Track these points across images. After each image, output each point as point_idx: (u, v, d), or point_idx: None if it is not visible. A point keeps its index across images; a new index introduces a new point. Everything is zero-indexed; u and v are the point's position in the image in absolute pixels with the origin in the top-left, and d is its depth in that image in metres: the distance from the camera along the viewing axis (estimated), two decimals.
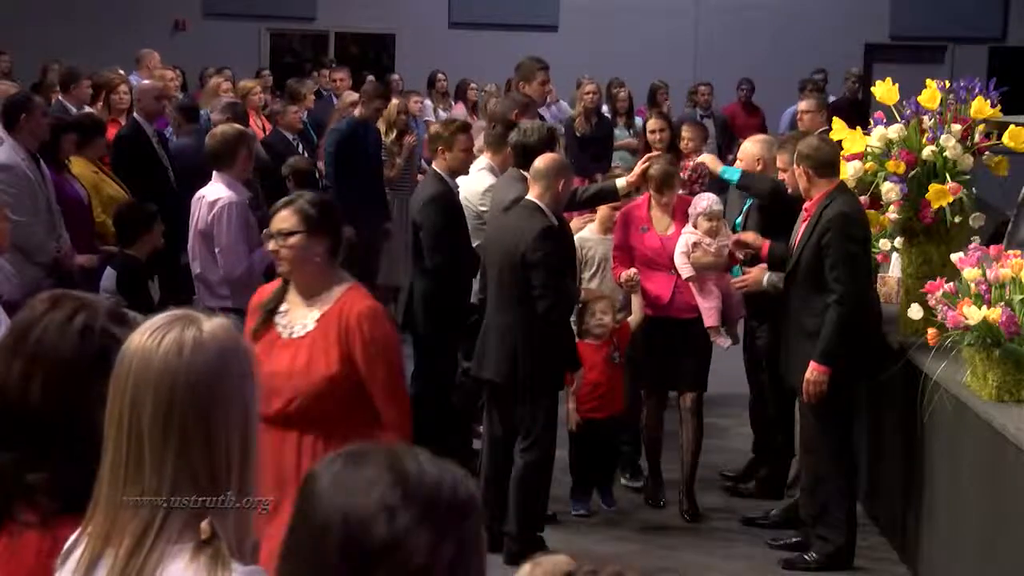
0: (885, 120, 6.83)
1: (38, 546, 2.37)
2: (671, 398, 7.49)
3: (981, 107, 6.62)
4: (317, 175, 11.00)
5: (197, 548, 2.07)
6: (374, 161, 10.77)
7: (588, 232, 7.56)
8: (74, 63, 11.77)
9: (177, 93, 13.69)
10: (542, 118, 9.35)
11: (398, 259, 10.96)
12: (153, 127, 9.48)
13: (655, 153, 7.57)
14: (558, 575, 2.96)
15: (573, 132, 12.06)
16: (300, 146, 11.29)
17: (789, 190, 6.87)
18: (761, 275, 6.88)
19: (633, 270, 7.08)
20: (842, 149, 6.72)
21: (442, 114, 14.25)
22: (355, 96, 11.81)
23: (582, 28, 18.12)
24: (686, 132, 8.90)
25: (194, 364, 2.11)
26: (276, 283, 4.67)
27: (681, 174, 8.10)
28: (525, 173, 6.82)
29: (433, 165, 7.80)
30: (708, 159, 7.48)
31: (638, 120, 13.37)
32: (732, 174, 7.17)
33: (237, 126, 7.76)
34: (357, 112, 10.84)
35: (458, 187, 7.66)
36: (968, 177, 6.62)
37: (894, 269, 7.35)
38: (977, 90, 6.69)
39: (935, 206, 6.56)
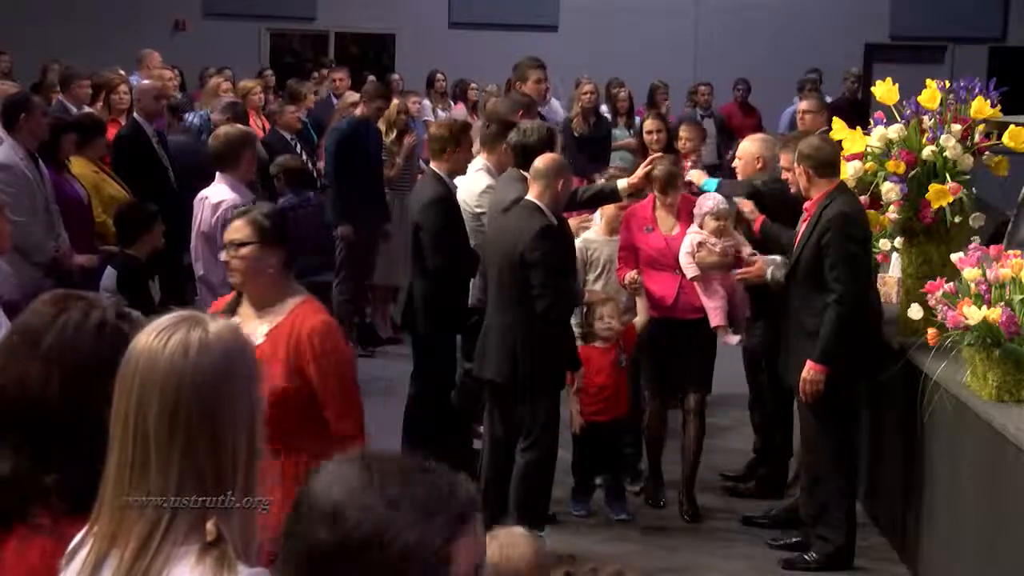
0: (885, 120, 6.83)
1: (43, 547, 2.38)
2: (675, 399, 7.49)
3: (981, 107, 6.62)
4: (315, 174, 11.02)
5: (203, 550, 2.07)
6: (374, 161, 10.77)
7: (594, 233, 7.54)
8: (74, 63, 11.77)
9: (176, 93, 13.71)
10: (543, 117, 9.36)
11: (397, 259, 10.96)
12: (153, 127, 9.48)
13: (658, 155, 7.55)
14: (519, 553, 2.97)
15: (571, 132, 12.05)
16: (298, 146, 11.29)
17: (793, 189, 6.87)
18: (764, 267, 6.88)
19: (635, 272, 7.07)
20: (842, 149, 6.73)
21: (441, 114, 14.26)
22: (356, 96, 11.81)
23: (582, 28, 18.13)
24: (683, 132, 8.88)
25: (200, 365, 2.11)
26: (231, 295, 4.64)
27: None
28: (525, 173, 6.82)
29: (432, 165, 7.79)
30: (695, 175, 7.42)
31: (639, 120, 13.36)
32: (710, 185, 7.16)
33: (241, 127, 7.75)
34: (358, 111, 10.84)
35: (456, 187, 7.65)
36: (968, 177, 6.62)
37: (894, 269, 7.35)
38: (977, 90, 6.69)
39: (935, 206, 6.57)
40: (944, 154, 6.58)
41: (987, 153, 6.70)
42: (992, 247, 5.97)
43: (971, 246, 6.06)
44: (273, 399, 4.29)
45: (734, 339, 7.10)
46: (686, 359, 7.11)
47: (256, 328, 4.45)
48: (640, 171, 7.18)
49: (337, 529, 1.74)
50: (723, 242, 6.97)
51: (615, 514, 7.18)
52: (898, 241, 6.96)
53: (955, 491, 5.86)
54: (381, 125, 10.94)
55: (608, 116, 14.18)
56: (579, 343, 7.16)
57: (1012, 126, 6.59)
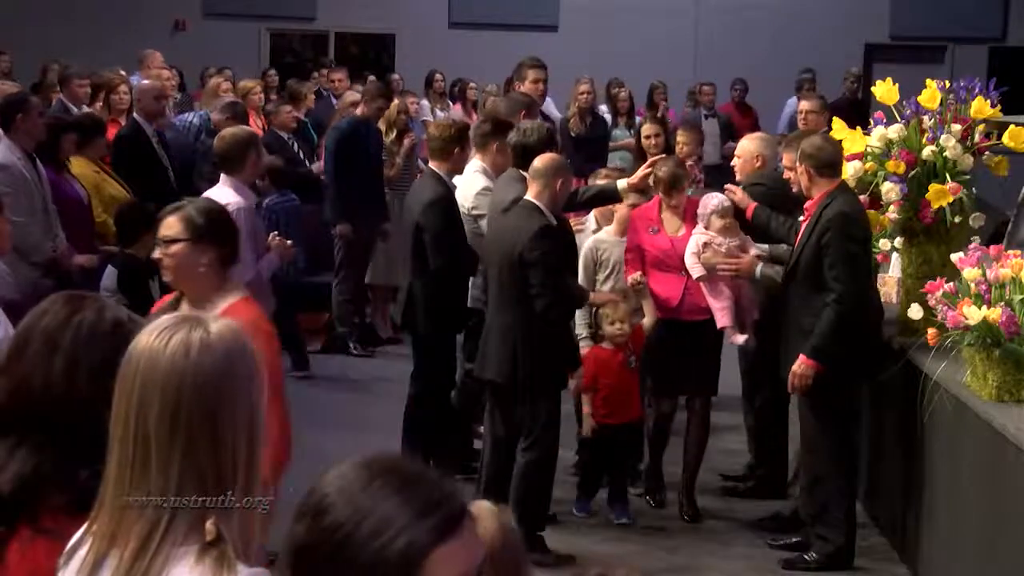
0: (885, 120, 6.83)
1: (48, 548, 2.38)
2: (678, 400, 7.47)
3: (981, 107, 6.62)
4: (314, 173, 11.03)
5: (202, 550, 2.07)
6: (374, 161, 10.78)
7: (604, 234, 7.51)
8: (74, 63, 11.77)
9: (175, 93, 13.72)
10: (546, 118, 9.36)
11: (397, 259, 10.97)
12: (153, 127, 9.48)
13: (660, 156, 7.52)
14: (484, 528, 2.98)
15: (568, 132, 12.04)
16: (296, 145, 11.30)
17: (795, 188, 6.87)
18: (754, 264, 6.86)
19: (639, 273, 7.05)
20: (843, 149, 6.72)
21: (439, 114, 14.26)
22: (356, 96, 11.82)
23: (582, 28, 18.13)
24: (681, 137, 8.81)
25: (201, 365, 2.11)
26: (174, 293, 4.54)
27: None
28: (524, 173, 6.82)
29: (431, 165, 7.79)
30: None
31: (639, 121, 13.36)
32: None
33: (246, 128, 7.73)
34: (359, 111, 10.85)
35: (455, 187, 7.65)
36: (968, 177, 6.62)
37: (894, 269, 7.34)
38: (977, 90, 6.69)
39: (935, 206, 6.57)
40: (944, 154, 6.58)
41: (987, 153, 6.70)
42: (992, 247, 5.96)
43: (971, 246, 6.05)
44: None
45: (741, 339, 7.04)
46: (691, 361, 7.07)
47: None
48: (640, 172, 7.16)
49: (316, 525, 1.74)
50: (729, 241, 6.93)
51: (616, 518, 7.15)
52: (898, 241, 6.96)
53: (955, 491, 5.85)
54: (381, 125, 10.95)
55: (608, 116, 14.20)
56: (589, 343, 7.16)
57: (1012, 126, 6.60)
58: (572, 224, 7.49)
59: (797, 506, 6.96)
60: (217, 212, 4.52)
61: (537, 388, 6.55)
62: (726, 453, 8.10)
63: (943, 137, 6.59)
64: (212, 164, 9.91)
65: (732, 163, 7.69)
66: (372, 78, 14.46)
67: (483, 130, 7.74)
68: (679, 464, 7.35)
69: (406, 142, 11.22)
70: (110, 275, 7.32)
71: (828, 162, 6.40)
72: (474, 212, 7.50)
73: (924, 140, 6.66)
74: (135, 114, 9.49)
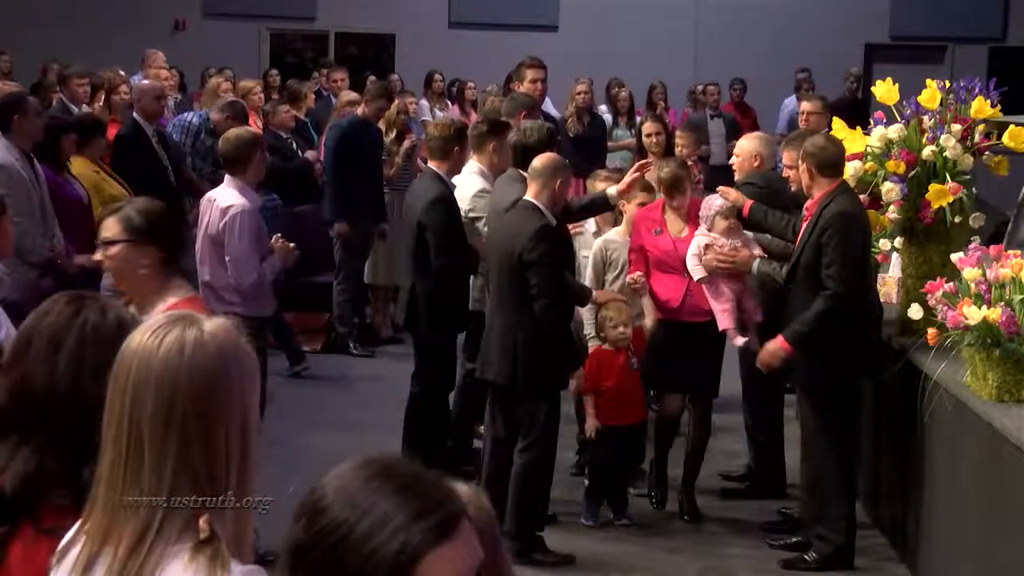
0: (885, 120, 6.83)
1: (51, 549, 2.38)
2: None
3: (981, 107, 6.62)
4: (309, 163, 11.03)
5: (196, 548, 2.07)
6: (374, 160, 10.78)
7: (614, 234, 7.48)
8: (74, 63, 11.77)
9: (175, 93, 13.73)
10: (550, 120, 9.35)
11: (397, 259, 10.98)
12: (153, 127, 9.48)
13: (646, 161, 7.50)
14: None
15: (566, 132, 12.04)
16: (296, 145, 11.31)
17: (794, 187, 6.87)
18: (750, 260, 6.84)
19: (639, 273, 7.04)
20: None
21: (439, 114, 14.26)
22: (353, 95, 11.83)
23: (582, 28, 18.13)
24: (680, 139, 8.77)
25: (195, 364, 2.11)
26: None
27: None
28: (525, 173, 6.82)
29: (431, 165, 7.78)
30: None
31: (640, 119, 13.37)
32: None
33: (252, 130, 7.72)
34: (360, 111, 10.86)
35: (455, 186, 7.66)
36: (968, 177, 6.62)
37: (894, 269, 7.34)
38: (977, 90, 6.69)
39: (935, 206, 6.57)
40: (944, 154, 6.58)
41: (987, 153, 6.70)
42: (992, 247, 5.96)
43: (971, 246, 6.05)
44: None
45: (741, 341, 7.02)
46: (692, 362, 7.06)
47: None
48: (628, 177, 7.13)
49: (312, 526, 1.74)
50: (732, 242, 6.90)
51: (617, 520, 7.12)
52: (898, 241, 6.96)
53: (955, 491, 5.86)
54: (381, 125, 10.95)
55: (609, 116, 14.20)
56: (598, 342, 7.13)
57: (1012, 126, 6.59)
58: (571, 226, 7.48)
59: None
60: (158, 212, 4.41)
61: (537, 388, 6.55)
62: (726, 453, 8.10)
63: (943, 137, 6.59)
64: (213, 164, 9.94)
65: (730, 162, 7.69)
66: (372, 78, 14.46)
67: (479, 131, 7.73)
68: (679, 464, 7.34)
69: (406, 143, 11.23)
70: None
71: (830, 162, 6.40)
72: (471, 215, 7.49)
73: (924, 140, 6.66)
74: (135, 114, 9.48)
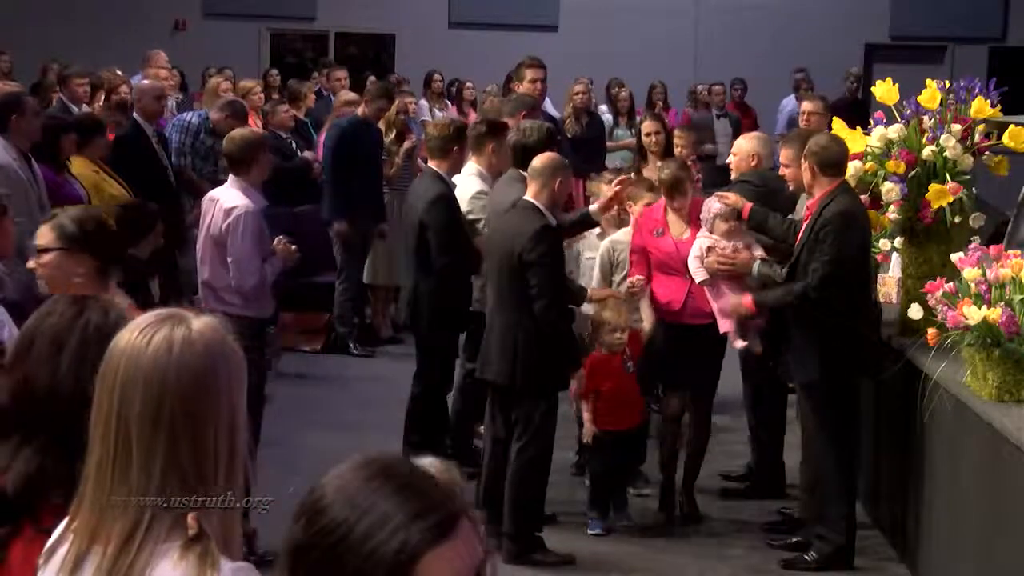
0: (885, 120, 6.83)
1: None
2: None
3: (981, 107, 6.62)
4: (308, 163, 11.03)
5: (185, 546, 2.07)
6: (374, 160, 10.78)
7: (621, 235, 7.43)
8: (74, 63, 11.77)
9: (177, 93, 13.72)
10: (550, 120, 9.34)
11: (397, 259, 10.98)
12: (153, 127, 9.47)
13: (624, 177, 7.48)
14: None
15: (564, 133, 12.02)
16: (295, 144, 11.31)
17: (791, 187, 6.86)
18: (750, 262, 6.83)
19: (638, 277, 7.01)
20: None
21: (438, 114, 14.26)
22: (351, 95, 11.83)
23: (582, 28, 18.13)
24: (678, 139, 8.70)
25: (183, 362, 2.11)
26: None
27: None
28: (525, 174, 6.82)
29: (431, 164, 7.79)
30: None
31: (639, 118, 13.36)
32: None
33: (256, 130, 7.72)
34: (360, 111, 10.86)
35: (456, 186, 7.66)
36: (968, 177, 6.62)
37: (894, 269, 7.34)
38: (977, 90, 6.69)
39: (935, 206, 6.56)
40: (944, 154, 6.58)
41: (987, 153, 6.70)
42: (992, 247, 5.96)
43: (971, 246, 6.05)
44: None
45: (741, 344, 7.01)
46: (692, 363, 7.02)
47: None
48: (608, 192, 7.14)
49: (311, 526, 1.73)
50: (734, 244, 6.88)
51: (617, 520, 7.08)
52: (898, 241, 6.96)
53: (955, 491, 5.86)
54: (381, 125, 10.95)
55: (609, 116, 14.21)
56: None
57: (1012, 126, 6.59)
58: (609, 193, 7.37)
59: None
60: (93, 220, 4.39)
61: (537, 388, 6.55)
62: (726, 453, 8.10)
63: (943, 137, 6.59)
64: (213, 164, 9.94)
65: (727, 161, 7.67)
66: (372, 78, 14.46)
67: (478, 131, 7.73)
68: (679, 465, 7.33)
69: (406, 143, 11.22)
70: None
71: (833, 161, 6.40)
72: (469, 216, 7.49)
73: (924, 140, 6.66)
74: (135, 114, 9.48)
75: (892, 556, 6.73)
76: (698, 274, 6.83)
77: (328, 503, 1.73)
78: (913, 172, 6.62)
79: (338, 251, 10.76)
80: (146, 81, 10.56)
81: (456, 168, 7.69)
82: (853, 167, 6.68)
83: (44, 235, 4.30)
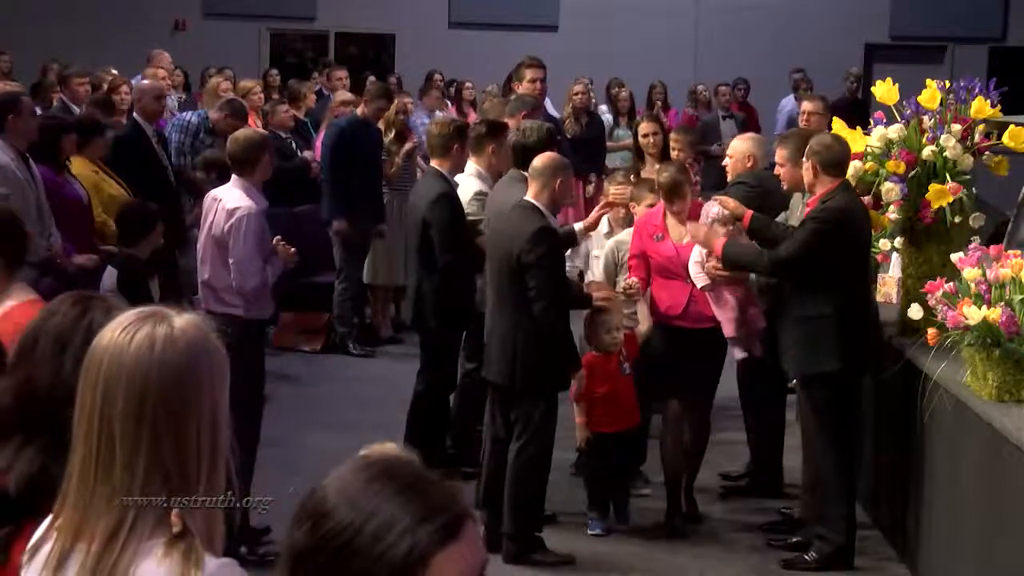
0: (885, 120, 6.83)
1: None
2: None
3: (981, 107, 6.62)
4: (307, 163, 11.03)
5: (169, 543, 2.08)
6: (373, 160, 10.78)
7: (626, 235, 7.37)
8: (74, 63, 11.78)
9: (180, 93, 13.73)
10: (551, 120, 9.34)
11: (398, 259, 10.98)
12: (153, 127, 9.47)
13: (610, 200, 7.48)
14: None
15: (564, 133, 12.02)
16: (296, 144, 11.31)
17: (785, 186, 6.85)
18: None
19: (635, 279, 6.99)
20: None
21: (438, 114, 14.26)
22: (348, 95, 11.84)
23: (582, 28, 18.13)
24: (675, 141, 8.63)
25: (165, 360, 2.12)
26: None
27: None
28: (525, 173, 6.82)
29: (433, 163, 7.79)
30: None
31: (637, 120, 13.35)
32: None
33: (260, 131, 7.70)
34: (359, 111, 10.86)
35: (458, 185, 7.67)
36: (968, 177, 6.62)
37: (894, 269, 7.34)
38: (977, 90, 6.69)
39: (935, 206, 6.56)
40: (944, 154, 6.58)
41: (987, 153, 6.70)
42: (992, 247, 5.96)
43: (971, 246, 6.05)
44: None
45: (741, 355, 6.96)
46: (692, 367, 6.97)
47: None
48: (594, 214, 7.18)
49: (317, 531, 1.73)
50: None
51: (617, 523, 7.02)
52: (898, 241, 6.96)
53: (955, 491, 5.85)
54: (380, 125, 10.95)
55: (609, 116, 14.21)
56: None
57: (1012, 126, 6.59)
58: (592, 218, 7.36)
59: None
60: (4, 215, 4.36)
61: (536, 389, 6.54)
62: (726, 453, 8.09)
63: (943, 137, 6.59)
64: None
65: (724, 163, 7.66)
66: (372, 78, 14.46)
67: (478, 133, 7.73)
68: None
69: (407, 144, 11.22)
70: (110, 275, 7.31)
71: (835, 161, 6.39)
72: (470, 217, 7.49)
73: (924, 140, 6.66)
74: (135, 114, 9.48)
75: (892, 556, 6.73)
76: (699, 279, 6.81)
77: (332, 506, 1.73)
78: (913, 172, 6.62)
79: (337, 251, 10.76)
80: (146, 81, 10.56)
81: (458, 167, 7.69)
82: (853, 167, 6.68)
83: None
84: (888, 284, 7.41)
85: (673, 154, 8.30)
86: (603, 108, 14.39)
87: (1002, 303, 5.53)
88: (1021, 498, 5.02)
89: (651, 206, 7.24)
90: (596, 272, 7.56)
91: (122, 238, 7.47)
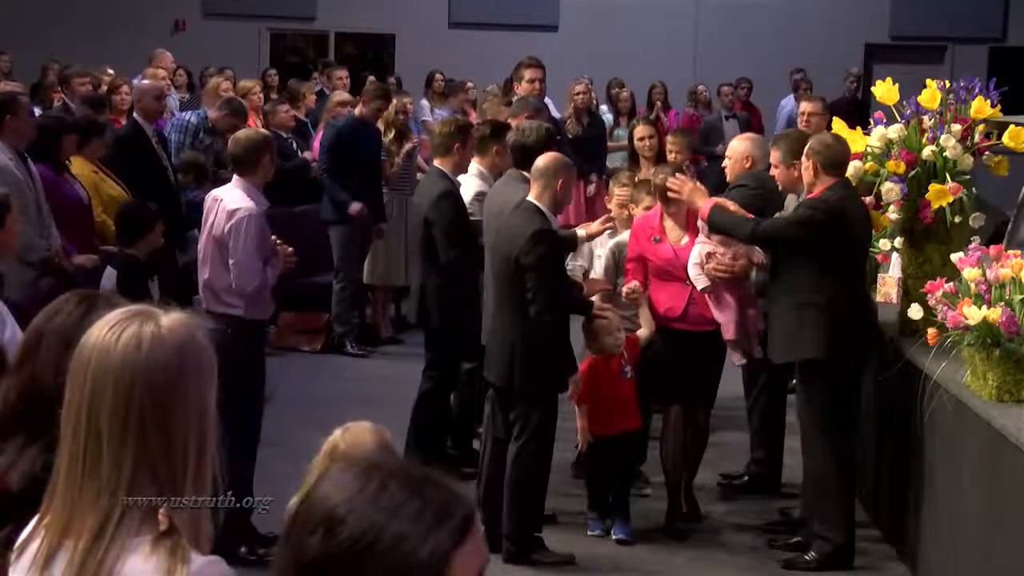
0: (885, 120, 6.83)
1: None
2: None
3: (981, 107, 6.62)
4: (307, 163, 11.03)
5: (156, 540, 2.09)
6: (372, 161, 10.78)
7: (627, 237, 7.41)
8: (74, 63, 11.78)
9: (184, 93, 13.74)
10: (552, 120, 9.33)
11: (398, 260, 10.98)
12: (153, 127, 9.48)
13: (613, 214, 7.48)
14: (361, 441, 3.03)
15: (565, 133, 12.02)
16: (295, 144, 11.31)
17: (781, 187, 6.85)
18: (748, 268, 6.83)
19: (635, 283, 6.98)
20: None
21: (439, 114, 14.26)
22: (345, 96, 11.83)
23: (582, 28, 18.14)
24: (672, 144, 8.62)
25: (152, 359, 2.12)
26: None
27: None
28: (525, 174, 6.82)
29: (436, 163, 7.80)
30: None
31: (632, 122, 13.34)
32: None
33: (263, 131, 7.69)
34: (357, 111, 10.85)
35: (460, 184, 7.68)
36: (968, 177, 6.62)
37: (894, 269, 7.34)
38: (977, 90, 6.69)
39: (935, 206, 6.57)
40: (944, 154, 6.58)
41: (987, 153, 6.70)
42: (992, 247, 5.97)
43: (971, 246, 6.06)
44: None
45: (740, 360, 6.94)
46: (693, 372, 6.96)
47: None
48: (598, 225, 7.21)
49: (332, 538, 1.71)
50: (734, 250, 6.81)
51: (616, 533, 6.91)
52: (898, 241, 6.96)
53: (955, 491, 5.85)
54: (380, 125, 10.95)
55: (610, 116, 14.20)
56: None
57: (1012, 126, 6.59)
58: (596, 228, 7.36)
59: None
60: None
61: (534, 390, 6.53)
62: (726, 453, 8.09)
63: (943, 137, 6.59)
64: (215, 163, 9.95)
65: (723, 164, 7.66)
66: (372, 78, 14.46)
67: (483, 134, 7.74)
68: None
69: (407, 145, 11.22)
70: (109, 275, 7.31)
71: (836, 160, 6.40)
72: (472, 218, 7.49)
73: (924, 140, 6.66)
74: (135, 114, 9.48)
75: (892, 556, 6.73)
76: (699, 281, 6.79)
77: (345, 512, 1.71)
78: (913, 172, 6.62)
79: (336, 251, 10.74)
80: (146, 81, 10.56)
81: (461, 166, 7.69)
82: (853, 167, 6.68)
83: None
84: (888, 284, 7.41)
85: (670, 156, 8.29)
86: (603, 108, 14.39)
87: (1002, 303, 5.53)
88: (1021, 498, 5.02)
89: (648, 208, 7.23)
90: (598, 271, 7.56)
91: (121, 238, 7.47)
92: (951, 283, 5.84)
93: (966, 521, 5.69)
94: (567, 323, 6.70)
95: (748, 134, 8.30)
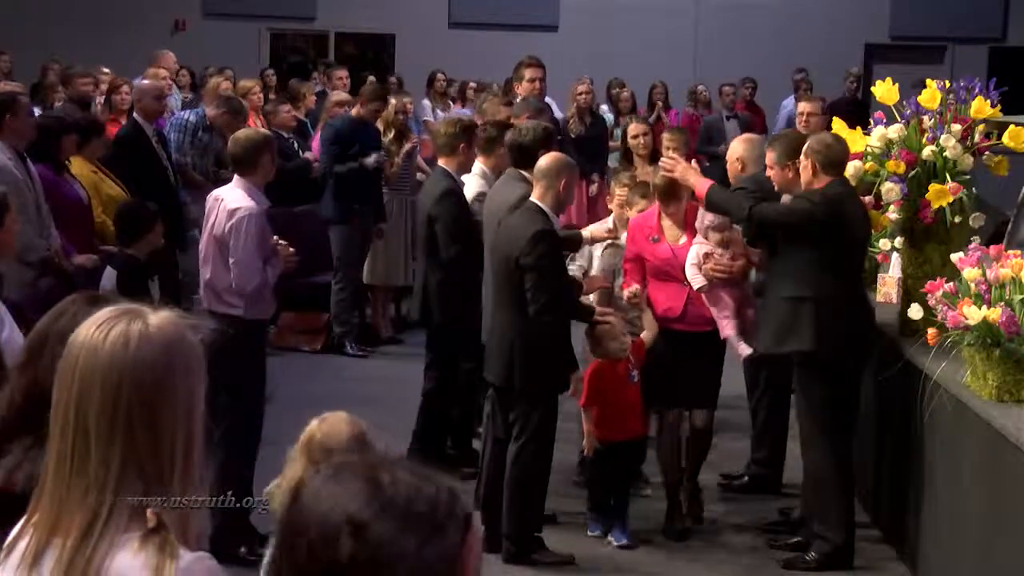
0: (885, 120, 6.83)
1: None
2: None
3: (981, 107, 6.62)
4: (308, 163, 11.03)
5: (144, 537, 2.10)
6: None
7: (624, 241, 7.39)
8: (74, 63, 11.78)
9: (187, 93, 13.73)
10: (553, 121, 9.32)
11: (398, 259, 10.98)
12: (153, 127, 9.47)
13: (614, 215, 7.48)
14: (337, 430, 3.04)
15: (567, 133, 12.02)
16: (296, 144, 11.31)
17: (776, 187, 6.85)
18: (746, 268, 6.82)
19: (636, 286, 6.96)
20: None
21: (440, 114, 14.26)
22: (343, 96, 11.83)
23: (582, 28, 18.14)
24: (668, 142, 8.60)
25: (140, 358, 2.13)
26: None
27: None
28: (524, 173, 6.81)
29: (440, 163, 7.81)
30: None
31: (624, 121, 13.35)
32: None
33: (263, 131, 7.69)
34: (355, 111, 10.85)
35: (464, 183, 7.68)
36: (968, 177, 6.62)
37: (894, 269, 7.34)
38: (977, 90, 6.69)
39: (935, 206, 6.57)
40: (944, 154, 6.58)
41: (987, 153, 6.70)
42: (992, 247, 5.97)
43: (971, 246, 6.05)
44: None
45: (746, 351, 6.92)
46: (694, 372, 6.94)
47: None
48: (599, 227, 7.21)
49: (364, 539, 1.71)
50: (732, 251, 6.80)
51: (616, 539, 6.87)
52: (898, 241, 6.96)
53: (955, 491, 5.85)
54: (379, 125, 10.95)
55: (611, 116, 14.21)
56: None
57: (1012, 126, 6.59)
58: (599, 234, 7.35)
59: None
60: None
61: (533, 391, 6.52)
62: (726, 453, 8.09)
63: (943, 137, 6.59)
64: (215, 162, 9.94)
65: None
66: (371, 79, 14.46)
67: (489, 135, 7.75)
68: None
69: (407, 145, 11.21)
70: (109, 276, 7.31)
71: (835, 160, 6.39)
72: (474, 218, 7.50)
73: (924, 140, 6.66)
74: (135, 114, 9.48)
75: (892, 556, 6.73)
76: (696, 281, 6.79)
77: (369, 516, 1.72)
78: (913, 172, 6.62)
79: (336, 251, 10.74)
80: (146, 81, 10.56)
81: (465, 166, 7.70)
82: (853, 167, 6.68)
83: None
84: (888, 284, 7.40)
85: (665, 153, 8.28)
86: (604, 108, 14.39)
87: (1002, 303, 5.53)
88: (1021, 498, 5.02)
89: (641, 211, 7.22)
90: (597, 271, 7.56)
91: (121, 238, 7.47)
92: (951, 283, 5.84)
93: (966, 521, 5.69)
94: (567, 323, 6.70)
95: (745, 135, 8.30)
